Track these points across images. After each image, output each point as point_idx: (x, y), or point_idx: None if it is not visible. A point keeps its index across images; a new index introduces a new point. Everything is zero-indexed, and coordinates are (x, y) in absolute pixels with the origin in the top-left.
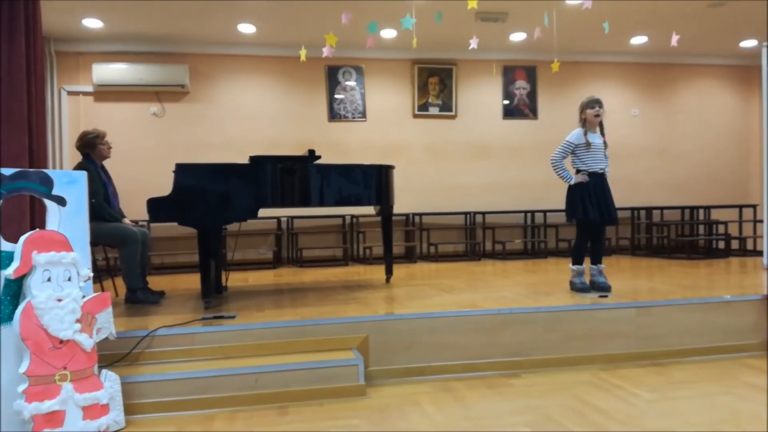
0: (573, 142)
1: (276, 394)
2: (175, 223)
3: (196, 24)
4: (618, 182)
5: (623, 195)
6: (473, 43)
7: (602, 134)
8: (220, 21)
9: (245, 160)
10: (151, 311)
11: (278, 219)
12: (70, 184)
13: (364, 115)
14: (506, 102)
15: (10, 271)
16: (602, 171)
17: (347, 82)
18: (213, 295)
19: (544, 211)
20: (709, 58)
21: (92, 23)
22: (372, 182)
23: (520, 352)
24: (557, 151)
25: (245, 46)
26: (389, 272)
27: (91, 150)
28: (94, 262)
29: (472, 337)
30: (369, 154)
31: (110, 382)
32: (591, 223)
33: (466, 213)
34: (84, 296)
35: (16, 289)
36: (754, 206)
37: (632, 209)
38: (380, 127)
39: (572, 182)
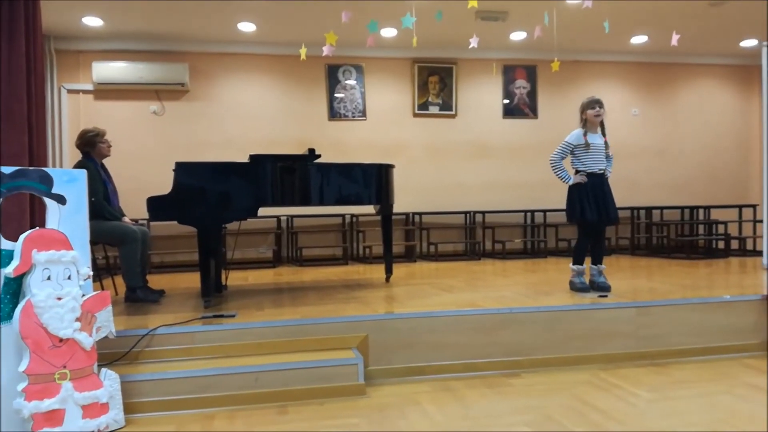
0: (572, 142)
1: (276, 393)
2: (175, 222)
3: (196, 22)
4: (618, 182)
5: (623, 195)
6: (473, 42)
7: (603, 134)
8: (220, 19)
9: (245, 159)
10: (151, 310)
11: (278, 218)
12: (70, 183)
13: (364, 114)
14: (506, 101)
15: (9, 270)
16: (601, 172)
17: (347, 81)
18: (213, 294)
19: (544, 211)
20: (709, 57)
21: (92, 21)
22: (372, 181)
23: (519, 352)
24: (556, 151)
25: (245, 44)
26: (389, 271)
27: (91, 148)
28: (94, 260)
29: (472, 336)
30: (369, 153)
31: (110, 380)
32: (589, 224)
33: (466, 212)
34: (84, 295)
35: (15, 287)
36: (753, 206)
37: (632, 209)
38: (380, 126)
39: (571, 182)
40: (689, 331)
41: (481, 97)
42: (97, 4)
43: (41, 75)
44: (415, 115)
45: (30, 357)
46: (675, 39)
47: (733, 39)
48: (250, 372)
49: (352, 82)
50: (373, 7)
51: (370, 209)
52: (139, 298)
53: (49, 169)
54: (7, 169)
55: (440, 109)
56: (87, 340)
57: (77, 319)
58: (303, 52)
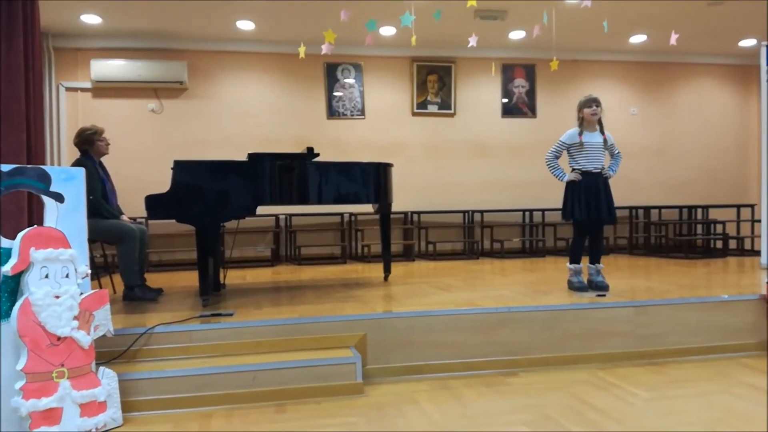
0: (566, 142)
1: (273, 392)
2: (174, 221)
3: (195, 20)
4: (616, 181)
5: (621, 194)
6: (472, 41)
7: (602, 132)
8: (218, 17)
9: (243, 158)
10: (149, 308)
11: (276, 217)
12: (68, 181)
13: (362, 112)
14: (505, 100)
15: (7, 268)
16: (597, 171)
17: (346, 80)
18: (211, 292)
19: (543, 210)
20: (708, 57)
21: (91, 19)
22: (370, 180)
23: (517, 351)
24: (550, 150)
25: (244, 42)
26: (387, 270)
27: (89, 146)
28: (92, 259)
29: (470, 335)
30: (367, 152)
31: (108, 379)
32: (579, 222)
33: (464, 211)
34: (82, 293)
35: (13, 285)
36: (752, 206)
37: (630, 208)
38: (379, 124)
39: (565, 180)
40: (687, 330)
41: (479, 96)
42: (96, 2)
43: (39, 73)
44: (414, 114)
45: (28, 355)
46: (674, 38)
47: (731, 38)
48: (248, 371)
49: (350, 80)
50: (372, 5)
51: (368, 208)
52: (137, 296)
53: (47, 167)
54: (5, 167)
55: (439, 108)
56: (85, 339)
57: (75, 318)
58: (302, 50)
